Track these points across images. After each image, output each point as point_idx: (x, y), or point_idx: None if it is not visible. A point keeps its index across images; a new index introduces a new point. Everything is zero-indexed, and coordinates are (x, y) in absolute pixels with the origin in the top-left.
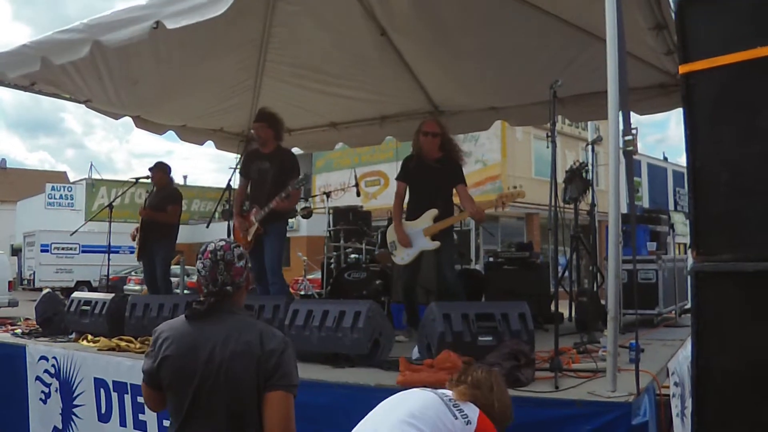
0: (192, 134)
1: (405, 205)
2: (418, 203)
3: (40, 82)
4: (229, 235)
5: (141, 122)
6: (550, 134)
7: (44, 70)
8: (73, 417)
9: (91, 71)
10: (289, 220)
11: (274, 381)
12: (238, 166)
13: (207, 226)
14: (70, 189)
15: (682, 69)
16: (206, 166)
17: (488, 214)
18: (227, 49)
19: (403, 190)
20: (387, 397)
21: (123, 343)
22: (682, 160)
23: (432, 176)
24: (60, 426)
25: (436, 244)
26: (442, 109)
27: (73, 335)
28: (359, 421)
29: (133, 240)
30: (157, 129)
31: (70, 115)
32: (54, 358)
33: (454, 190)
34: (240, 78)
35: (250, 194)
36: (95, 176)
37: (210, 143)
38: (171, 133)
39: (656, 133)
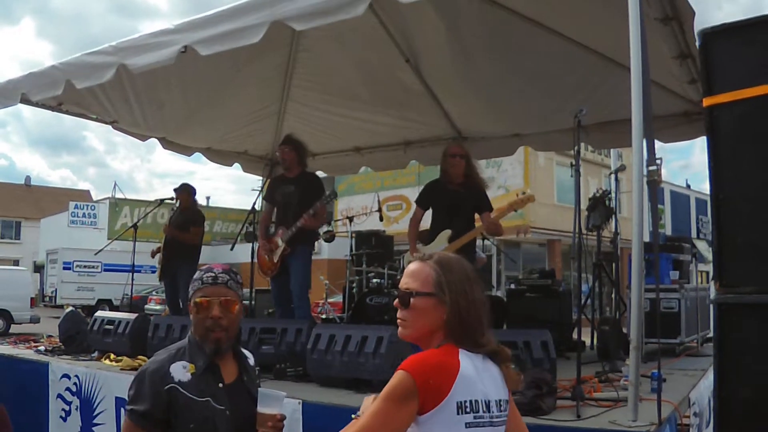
0: (218, 156)
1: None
2: (439, 227)
3: (67, 103)
4: (253, 258)
5: (167, 144)
6: (574, 163)
7: (71, 92)
8: None
9: (119, 93)
10: None
11: None
12: (263, 191)
13: (231, 249)
14: (93, 207)
15: (706, 101)
16: (228, 188)
17: (510, 240)
18: (253, 74)
19: (420, 215)
20: None
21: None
22: (706, 187)
23: (455, 200)
24: None
25: None
26: (465, 134)
27: (96, 354)
28: None
29: (153, 257)
30: (184, 150)
31: (92, 133)
32: (76, 376)
33: (476, 215)
34: (265, 102)
35: (276, 218)
36: (118, 195)
37: (237, 165)
38: (193, 154)
39: (680, 160)
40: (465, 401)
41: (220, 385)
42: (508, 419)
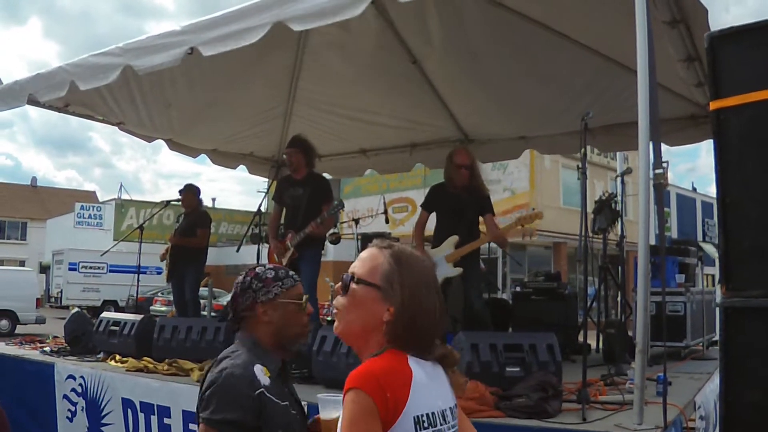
0: (223, 158)
1: (432, 233)
2: (444, 231)
3: (74, 104)
4: (258, 259)
5: (174, 145)
6: (580, 165)
7: (78, 93)
8: None
9: (125, 94)
10: None
11: (200, 412)
12: (269, 192)
13: (237, 250)
14: (99, 209)
15: (713, 105)
16: (233, 189)
17: (515, 243)
18: (259, 75)
19: (425, 218)
20: None
21: (151, 365)
22: (712, 190)
23: (459, 205)
24: None
25: (459, 270)
26: (472, 137)
27: (101, 355)
28: None
29: (162, 260)
30: (190, 152)
31: (98, 134)
32: (81, 377)
33: (481, 219)
34: (271, 103)
35: (285, 220)
36: (124, 197)
37: (242, 167)
38: (199, 155)
39: (686, 163)
40: (422, 415)
41: (286, 389)
42: (459, 423)
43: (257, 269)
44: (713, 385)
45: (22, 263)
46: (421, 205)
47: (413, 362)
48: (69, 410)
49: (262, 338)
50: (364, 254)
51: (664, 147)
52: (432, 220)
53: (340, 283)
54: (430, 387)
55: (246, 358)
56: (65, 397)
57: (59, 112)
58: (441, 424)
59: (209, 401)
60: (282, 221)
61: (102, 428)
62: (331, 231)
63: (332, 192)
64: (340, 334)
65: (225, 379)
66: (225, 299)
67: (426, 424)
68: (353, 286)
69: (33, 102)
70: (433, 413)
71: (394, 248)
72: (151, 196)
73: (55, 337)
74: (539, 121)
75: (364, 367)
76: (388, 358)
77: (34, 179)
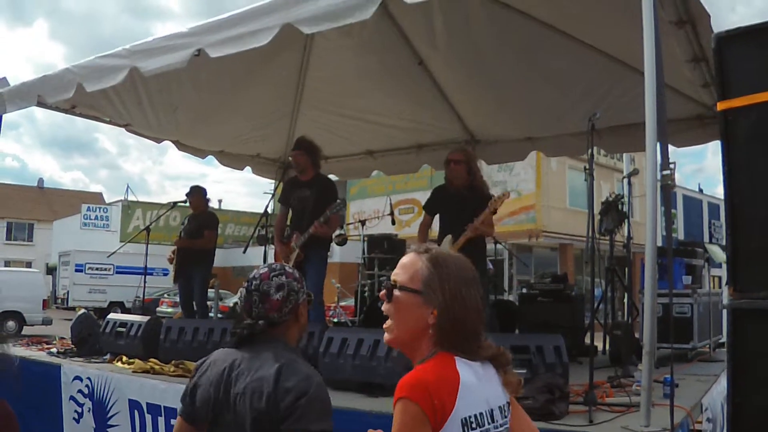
0: (230, 159)
1: (437, 235)
2: (445, 231)
3: (80, 106)
4: (265, 260)
5: (182, 146)
6: (587, 167)
7: (85, 95)
8: None
9: (132, 96)
10: None
11: (288, 425)
12: (275, 194)
13: (244, 251)
14: (105, 210)
15: (721, 105)
16: (239, 190)
17: (522, 244)
18: (266, 76)
19: (428, 221)
20: None
21: (158, 366)
22: (719, 191)
23: (459, 203)
24: None
25: None
26: (478, 138)
27: (108, 356)
28: None
29: (170, 263)
30: (199, 153)
31: (104, 135)
32: (88, 378)
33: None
34: (277, 105)
35: (291, 222)
36: (131, 198)
37: (248, 168)
38: (207, 156)
39: (693, 164)
40: (470, 417)
41: None
42: (514, 421)
43: (287, 269)
44: (720, 387)
45: (28, 264)
46: (423, 208)
47: (461, 364)
48: (75, 411)
49: (291, 339)
50: (403, 260)
51: (670, 148)
52: (438, 221)
53: (383, 291)
54: (478, 388)
55: (303, 362)
56: (72, 398)
57: (66, 113)
58: (488, 424)
59: (306, 412)
60: (288, 223)
61: (108, 429)
62: (338, 233)
63: (337, 193)
64: (391, 343)
65: (319, 387)
66: (232, 300)
67: (474, 425)
68: (396, 293)
69: (41, 104)
70: (481, 414)
71: (431, 252)
72: (157, 197)
73: (62, 338)
74: (545, 122)
75: (412, 375)
76: (435, 363)
77: (40, 180)
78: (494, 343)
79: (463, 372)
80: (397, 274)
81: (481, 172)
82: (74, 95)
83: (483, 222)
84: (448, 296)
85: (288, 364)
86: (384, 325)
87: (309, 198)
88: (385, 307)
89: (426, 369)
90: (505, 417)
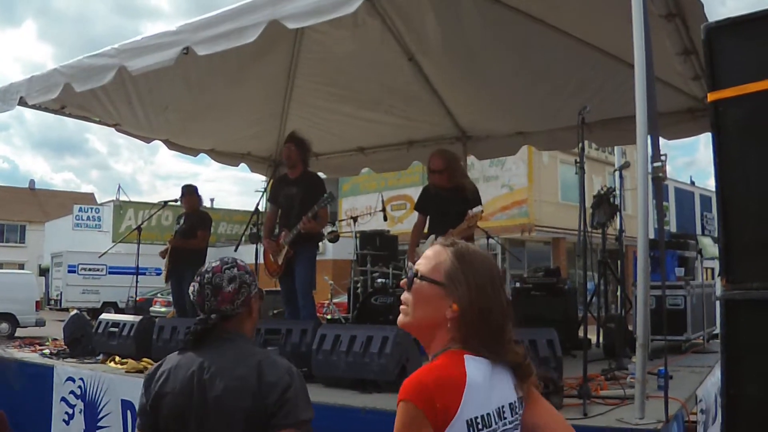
0: (222, 157)
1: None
2: (432, 231)
3: (70, 106)
4: (257, 258)
5: (172, 145)
6: (578, 160)
7: (74, 95)
8: None
9: (121, 95)
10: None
11: (279, 420)
12: (267, 192)
13: (235, 250)
14: (97, 210)
15: (711, 96)
16: (231, 189)
17: (514, 239)
18: (256, 75)
19: (421, 220)
20: None
21: (151, 365)
22: (710, 183)
23: (443, 204)
24: None
25: None
26: (469, 134)
27: (101, 357)
28: None
29: (163, 258)
30: (190, 152)
31: (95, 135)
32: (81, 379)
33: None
34: (268, 103)
35: (280, 220)
36: (122, 198)
37: (243, 166)
38: (199, 154)
39: (685, 156)
40: (476, 417)
41: None
42: (535, 412)
43: (238, 262)
44: (714, 378)
45: (21, 266)
46: (415, 208)
47: (471, 362)
48: (66, 413)
49: (248, 333)
50: (428, 252)
51: (661, 140)
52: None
53: (404, 279)
54: (486, 387)
55: (277, 355)
56: (63, 399)
57: (56, 113)
58: (496, 423)
59: (295, 403)
60: (278, 221)
61: (98, 430)
62: (330, 230)
63: (326, 189)
64: (407, 328)
65: (300, 378)
66: None
67: (480, 426)
68: (417, 282)
69: (25, 104)
70: (488, 414)
71: (457, 246)
72: (149, 197)
73: (55, 339)
74: (536, 117)
75: (415, 376)
76: (442, 362)
77: (32, 182)
78: (524, 350)
79: (471, 371)
80: (420, 264)
81: (473, 167)
82: (63, 95)
83: (460, 233)
84: (474, 292)
85: (265, 360)
86: (401, 306)
87: (296, 195)
88: (404, 296)
89: (431, 369)
90: (516, 413)
